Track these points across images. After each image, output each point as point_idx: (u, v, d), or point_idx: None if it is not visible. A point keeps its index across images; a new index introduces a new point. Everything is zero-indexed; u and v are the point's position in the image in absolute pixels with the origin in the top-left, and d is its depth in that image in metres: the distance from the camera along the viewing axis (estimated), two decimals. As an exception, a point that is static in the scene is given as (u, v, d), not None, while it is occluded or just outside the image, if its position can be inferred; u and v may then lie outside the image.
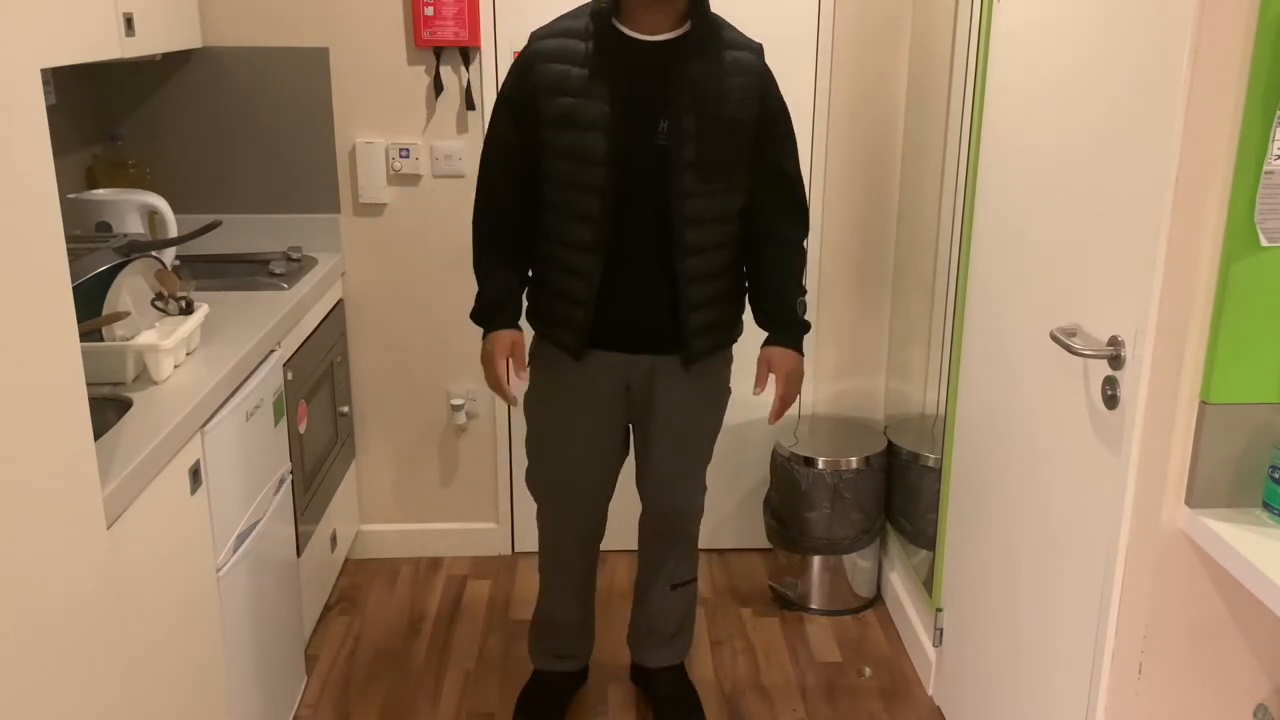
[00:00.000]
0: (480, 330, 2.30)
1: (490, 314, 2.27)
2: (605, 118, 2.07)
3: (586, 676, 2.71)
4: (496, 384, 2.26)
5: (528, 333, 2.31)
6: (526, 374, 2.30)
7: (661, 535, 2.48)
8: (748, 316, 2.36)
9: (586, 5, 2.15)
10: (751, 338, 2.34)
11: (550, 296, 2.26)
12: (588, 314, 2.19)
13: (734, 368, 2.40)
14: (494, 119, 2.22)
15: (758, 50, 2.17)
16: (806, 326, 2.32)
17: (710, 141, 2.10)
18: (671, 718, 2.56)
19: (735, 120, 2.12)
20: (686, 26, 2.10)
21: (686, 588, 2.56)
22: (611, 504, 2.48)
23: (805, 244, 2.32)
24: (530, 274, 2.32)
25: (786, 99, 2.23)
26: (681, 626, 2.59)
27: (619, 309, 2.20)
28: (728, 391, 2.40)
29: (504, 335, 2.25)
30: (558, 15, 2.18)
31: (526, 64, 2.13)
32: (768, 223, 2.26)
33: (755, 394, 2.29)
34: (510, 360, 2.26)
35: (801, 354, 2.31)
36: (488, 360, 2.26)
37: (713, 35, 2.12)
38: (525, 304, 2.34)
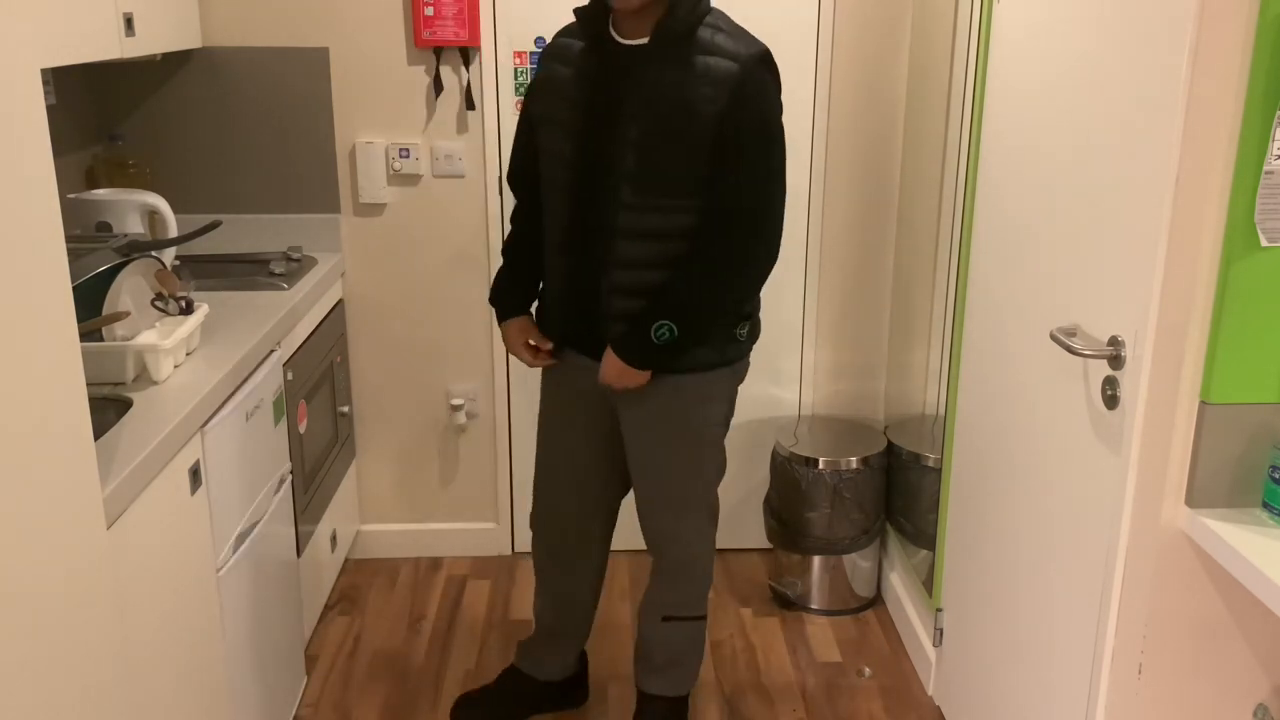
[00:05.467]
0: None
1: (495, 303, 2.35)
2: (571, 120, 2.07)
3: (562, 700, 2.57)
4: (526, 361, 2.32)
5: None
6: (549, 346, 2.28)
7: (653, 556, 2.36)
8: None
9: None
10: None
11: (543, 296, 2.32)
12: (561, 314, 2.22)
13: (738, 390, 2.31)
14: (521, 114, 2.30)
15: (742, 60, 1.94)
16: (653, 351, 2.06)
17: (653, 154, 1.97)
18: None
19: (687, 133, 1.95)
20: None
21: (683, 624, 2.36)
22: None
23: (725, 285, 2.05)
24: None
25: (787, 99, 2.05)
26: (673, 660, 2.40)
27: (577, 312, 2.18)
28: (707, 419, 2.22)
29: (511, 325, 2.32)
30: (555, 16, 2.22)
31: (540, 60, 2.20)
32: (699, 240, 2.04)
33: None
34: (531, 342, 2.29)
35: (636, 369, 2.09)
36: (509, 349, 2.35)
37: (684, 42, 1.96)
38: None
